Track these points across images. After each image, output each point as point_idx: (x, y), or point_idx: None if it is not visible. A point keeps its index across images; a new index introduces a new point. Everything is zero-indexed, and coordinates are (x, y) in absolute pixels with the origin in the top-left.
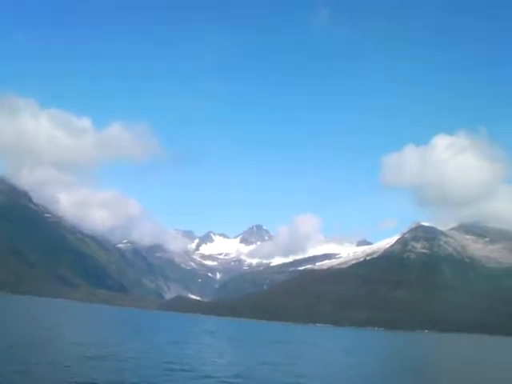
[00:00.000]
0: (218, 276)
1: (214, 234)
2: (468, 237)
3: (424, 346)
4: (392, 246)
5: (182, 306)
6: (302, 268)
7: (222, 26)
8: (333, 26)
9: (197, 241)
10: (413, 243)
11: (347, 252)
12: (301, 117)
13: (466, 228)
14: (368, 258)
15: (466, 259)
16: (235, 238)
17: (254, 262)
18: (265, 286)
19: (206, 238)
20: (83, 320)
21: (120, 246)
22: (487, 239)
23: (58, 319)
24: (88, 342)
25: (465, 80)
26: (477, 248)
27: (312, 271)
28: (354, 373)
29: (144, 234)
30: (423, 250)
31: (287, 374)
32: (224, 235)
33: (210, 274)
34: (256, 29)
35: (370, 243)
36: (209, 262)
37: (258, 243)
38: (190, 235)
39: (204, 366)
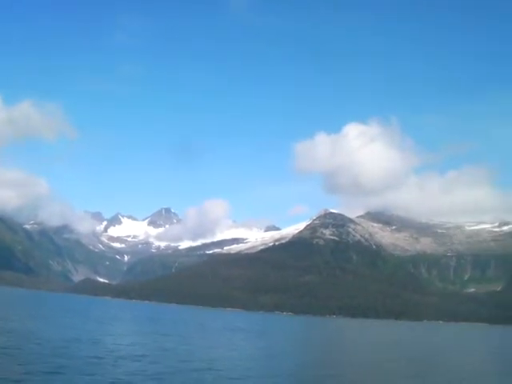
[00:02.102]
0: (126, 258)
1: (123, 216)
2: (375, 224)
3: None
4: (301, 232)
5: (90, 288)
6: (211, 252)
7: (136, 7)
8: (250, 11)
9: (105, 223)
10: (322, 230)
11: (255, 237)
12: (213, 102)
13: (374, 216)
14: (277, 244)
15: (374, 246)
16: (143, 220)
17: (163, 244)
18: (173, 269)
19: (115, 220)
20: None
21: (27, 226)
22: (394, 227)
23: None
24: None
25: (376, 69)
26: (384, 236)
27: (221, 255)
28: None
29: (52, 215)
30: (332, 237)
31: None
32: (132, 217)
33: (117, 257)
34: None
35: (278, 229)
36: (117, 245)
37: (167, 226)
38: (98, 217)
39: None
